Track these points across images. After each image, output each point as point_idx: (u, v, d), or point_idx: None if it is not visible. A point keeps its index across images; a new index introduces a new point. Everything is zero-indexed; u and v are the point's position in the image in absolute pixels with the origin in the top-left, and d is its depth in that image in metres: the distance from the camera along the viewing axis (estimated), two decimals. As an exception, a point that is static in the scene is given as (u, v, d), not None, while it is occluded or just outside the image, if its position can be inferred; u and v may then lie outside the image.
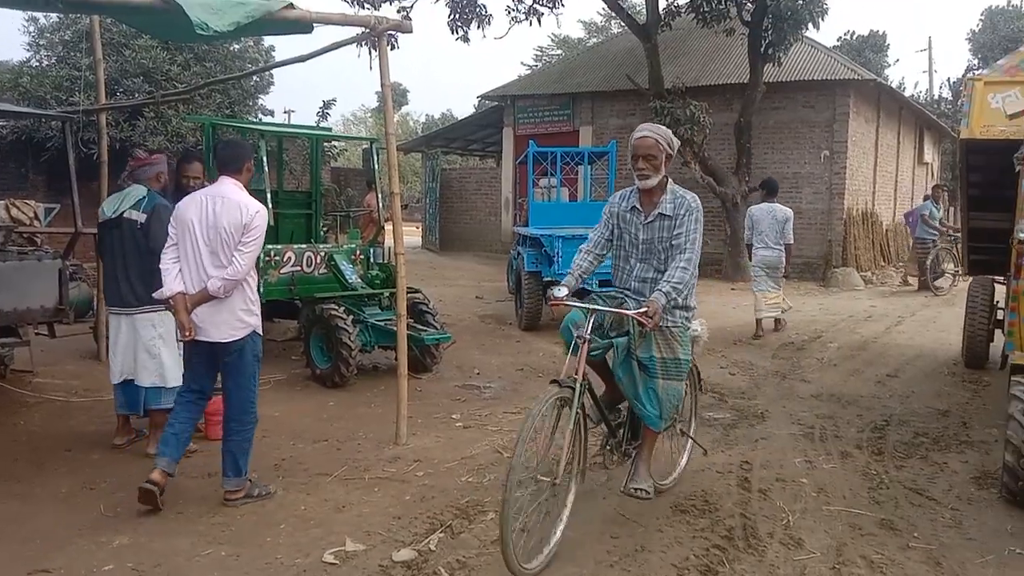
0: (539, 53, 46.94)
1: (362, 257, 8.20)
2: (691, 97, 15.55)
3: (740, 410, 6.54)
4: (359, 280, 7.77)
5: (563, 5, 17.17)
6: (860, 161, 17.65)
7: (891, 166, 20.44)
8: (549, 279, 9.77)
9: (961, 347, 8.59)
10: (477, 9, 17.53)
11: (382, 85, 5.48)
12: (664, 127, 4.27)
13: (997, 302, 7.97)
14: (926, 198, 17.86)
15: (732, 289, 14.90)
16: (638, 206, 4.20)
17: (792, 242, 9.78)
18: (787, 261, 9.80)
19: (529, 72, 22.93)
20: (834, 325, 11.06)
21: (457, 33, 17.59)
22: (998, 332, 7.76)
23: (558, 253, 9.63)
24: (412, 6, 17.41)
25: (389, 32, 5.46)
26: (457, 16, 17.43)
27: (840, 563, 3.76)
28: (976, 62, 37.98)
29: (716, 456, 5.31)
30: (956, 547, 3.97)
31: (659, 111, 15.28)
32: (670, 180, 4.20)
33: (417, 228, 25.36)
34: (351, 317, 7.10)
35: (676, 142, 4.25)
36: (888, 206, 20.18)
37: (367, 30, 5.42)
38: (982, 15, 42.21)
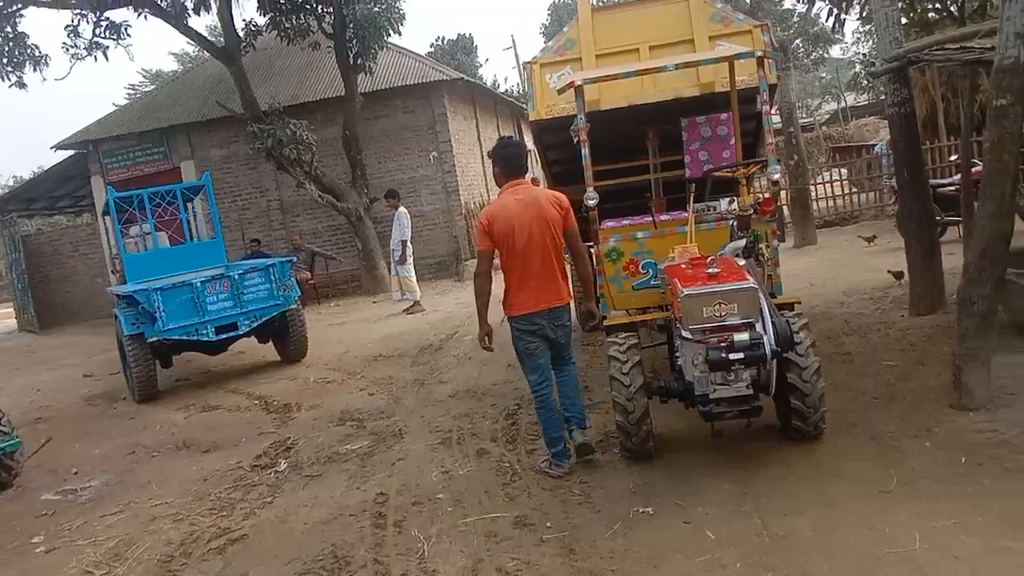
0: (132, 92, 42.95)
1: None
2: (291, 116, 14.98)
3: (378, 433, 6.12)
4: None
5: (128, 36, 15.50)
6: (467, 157, 18.44)
7: (497, 157, 21.72)
8: (156, 339, 8.57)
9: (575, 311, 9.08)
10: (29, 50, 15.27)
11: None
12: None
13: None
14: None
15: (374, 303, 14.64)
16: None
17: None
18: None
19: (112, 111, 20.45)
20: (469, 317, 11.21)
21: (9, 80, 15.41)
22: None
23: (159, 307, 8.42)
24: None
25: None
26: (6, 60, 15.06)
27: (476, 585, 3.46)
28: (552, 54, 42.52)
29: (351, 496, 4.81)
30: (587, 525, 3.90)
31: (259, 135, 14.50)
32: None
33: (12, 310, 21.47)
34: None
35: None
36: (502, 195, 21.42)
37: None
38: (548, 10, 47.60)
